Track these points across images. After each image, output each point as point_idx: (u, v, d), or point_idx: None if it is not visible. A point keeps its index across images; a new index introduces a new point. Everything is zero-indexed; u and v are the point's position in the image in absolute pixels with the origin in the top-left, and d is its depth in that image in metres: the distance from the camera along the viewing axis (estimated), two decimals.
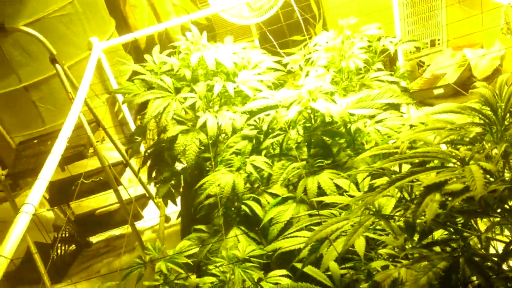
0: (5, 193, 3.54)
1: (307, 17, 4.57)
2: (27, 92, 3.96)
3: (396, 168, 1.44)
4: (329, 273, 1.59)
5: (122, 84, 3.25)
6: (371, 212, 1.45)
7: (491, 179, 1.14)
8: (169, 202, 3.11)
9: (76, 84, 3.22)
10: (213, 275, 1.79)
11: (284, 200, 2.20)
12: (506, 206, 1.23)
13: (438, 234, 1.61)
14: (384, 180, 1.66)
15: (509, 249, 1.23)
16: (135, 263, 1.88)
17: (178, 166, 3.17)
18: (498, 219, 1.25)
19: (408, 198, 1.44)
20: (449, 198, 1.32)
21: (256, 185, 2.37)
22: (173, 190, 3.11)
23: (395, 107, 2.49)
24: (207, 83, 2.92)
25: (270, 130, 2.43)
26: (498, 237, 1.39)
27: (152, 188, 3.72)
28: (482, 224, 1.46)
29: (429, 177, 1.16)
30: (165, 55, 3.17)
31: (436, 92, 4.88)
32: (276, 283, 1.71)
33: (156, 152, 3.12)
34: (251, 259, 1.78)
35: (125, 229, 3.99)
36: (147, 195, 3.93)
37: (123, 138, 4.23)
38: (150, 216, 3.93)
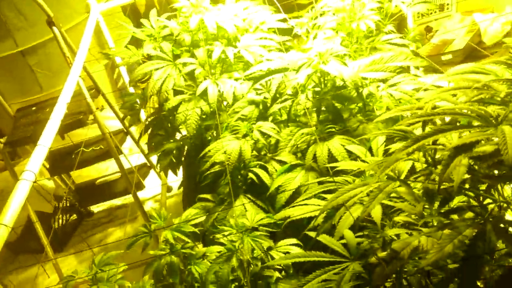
0: (4, 162, 3.46)
1: None
2: (24, 57, 3.83)
3: (419, 131, 1.34)
4: (343, 241, 1.52)
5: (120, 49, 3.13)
6: (390, 177, 1.37)
7: None
8: (169, 172, 3.05)
9: (74, 48, 3.09)
10: (221, 244, 1.72)
11: (293, 167, 2.12)
12: None
13: (455, 201, 1.54)
14: (401, 145, 1.57)
15: None
16: (140, 232, 1.81)
17: (178, 135, 3.09)
18: None
19: (431, 162, 1.36)
20: (477, 162, 1.24)
21: (263, 153, 2.28)
22: (175, 160, 3.03)
23: (407, 71, 2.38)
24: (207, 48, 2.80)
25: (277, 95, 2.32)
26: None
27: (154, 157, 3.64)
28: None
29: (456, 138, 1.07)
30: (164, 19, 3.03)
31: (445, 58, 4.75)
32: (286, 252, 1.65)
33: (156, 121, 3.03)
34: (260, 227, 1.71)
35: (126, 199, 3.93)
36: (149, 165, 3.85)
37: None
38: (152, 185, 3.86)
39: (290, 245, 1.72)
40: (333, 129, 2.12)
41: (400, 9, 2.97)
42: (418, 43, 3.14)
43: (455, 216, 1.39)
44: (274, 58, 2.40)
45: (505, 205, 1.32)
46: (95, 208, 4.05)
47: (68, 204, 4.06)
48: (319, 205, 1.74)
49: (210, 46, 2.80)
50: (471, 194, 1.32)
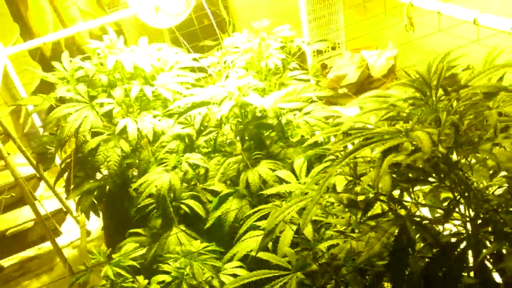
0: None
1: (217, 22, 4.64)
2: None
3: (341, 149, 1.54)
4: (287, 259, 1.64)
5: (29, 96, 3.04)
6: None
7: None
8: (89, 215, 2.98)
9: None
10: (165, 272, 1.75)
11: (226, 197, 2.21)
12: (441, 173, 1.38)
13: (377, 209, 1.76)
14: (321, 166, 1.77)
15: (450, 208, 1.38)
16: (80, 270, 1.77)
17: (99, 175, 3.04)
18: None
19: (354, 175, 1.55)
20: (395, 169, 1.46)
21: (193, 183, 2.36)
22: (96, 202, 2.98)
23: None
24: (125, 87, 2.84)
25: (202, 128, 2.44)
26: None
27: (71, 202, 3.51)
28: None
29: (369, 153, 1.27)
30: (79, 60, 3.02)
31: (341, 91, 5.23)
32: (233, 274, 1.73)
33: (75, 163, 2.96)
34: (206, 253, 1.78)
35: (40, 249, 3.69)
36: (65, 210, 3.68)
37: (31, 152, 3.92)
38: (69, 231, 3.69)
39: (236, 267, 1.80)
40: (258, 155, 2.27)
41: (300, 47, 3.29)
42: (319, 78, 3.47)
43: (372, 223, 1.59)
44: (196, 93, 2.52)
45: (419, 206, 1.55)
46: (5, 262, 3.73)
47: None
48: (257, 235, 1.88)
49: (127, 85, 2.85)
50: (391, 197, 1.53)
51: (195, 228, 2.25)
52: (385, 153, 1.25)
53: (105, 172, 2.89)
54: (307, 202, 1.47)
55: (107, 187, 2.84)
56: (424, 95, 1.38)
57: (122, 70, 2.91)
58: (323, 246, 1.76)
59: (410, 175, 1.40)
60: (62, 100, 2.94)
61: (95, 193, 2.86)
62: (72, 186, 2.90)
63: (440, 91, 1.39)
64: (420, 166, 1.33)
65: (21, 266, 3.68)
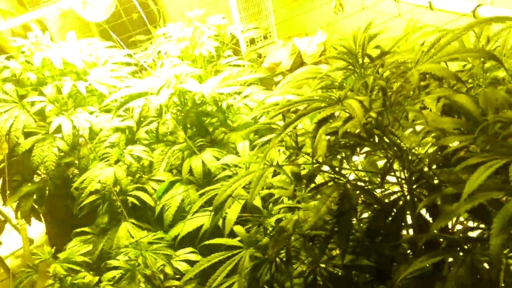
0: None
1: (146, 13, 4.56)
2: None
3: (281, 122, 1.59)
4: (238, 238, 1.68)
5: None
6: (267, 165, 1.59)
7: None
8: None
9: None
10: (115, 268, 1.73)
11: (172, 184, 2.21)
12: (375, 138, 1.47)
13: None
14: (262, 141, 1.82)
15: (386, 171, 1.48)
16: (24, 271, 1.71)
17: (37, 179, 2.93)
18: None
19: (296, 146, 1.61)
20: (332, 138, 1.54)
21: (137, 176, 2.33)
22: (36, 205, 2.86)
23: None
24: (56, 84, 2.74)
25: (142, 119, 2.41)
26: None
27: (6, 209, 3.34)
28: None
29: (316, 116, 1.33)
30: (3, 59, 2.87)
31: (277, 79, 5.33)
32: (186, 260, 1.74)
33: (9, 167, 2.83)
34: (157, 241, 1.77)
35: None
36: (3, 219, 3.50)
37: None
38: (8, 241, 3.50)
39: (188, 253, 1.81)
40: (202, 142, 2.29)
41: (234, 36, 3.33)
42: (254, 64, 3.53)
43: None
44: (132, 85, 2.49)
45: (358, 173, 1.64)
46: None
47: None
48: (203, 215, 1.90)
49: (58, 82, 2.75)
50: (332, 166, 1.61)
51: (145, 220, 2.23)
52: (321, 122, 1.31)
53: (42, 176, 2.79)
54: (253, 175, 1.51)
55: (47, 189, 2.74)
56: (353, 65, 1.46)
57: (51, 67, 2.80)
58: (272, 220, 1.82)
59: (347, 142, 1.48)
60: None
61: (34, 196, 2.75)
62: (8, 192, 2.77)
63: (366, 59, 1.48)
64: (356, 132, 1.42)
65: None
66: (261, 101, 2.35)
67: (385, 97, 1.38)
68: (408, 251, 1.42)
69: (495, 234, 1.05)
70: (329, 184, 1.57)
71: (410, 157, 1.43)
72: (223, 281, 1.60)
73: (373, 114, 1.33)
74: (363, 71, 1.45)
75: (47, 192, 2.79)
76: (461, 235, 1.30)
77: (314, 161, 1.57)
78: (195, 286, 1.68)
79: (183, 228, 1.91)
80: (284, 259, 1.48)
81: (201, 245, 1.76)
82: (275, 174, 1.67)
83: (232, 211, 1.68)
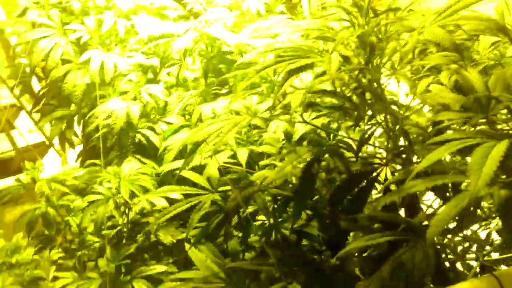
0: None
1: None
2: None
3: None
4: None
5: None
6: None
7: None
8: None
9: None
10: (97, 193, 1.76)
11: (180, 128, 2.20)
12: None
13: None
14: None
15: (364, 137, 1.33)
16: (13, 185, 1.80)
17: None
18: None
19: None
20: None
21: (152, 116, 2.34)
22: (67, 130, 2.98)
23: None
24: (98, 18, 2.76)
25: (166, 61, 2.40)
26: None
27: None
28: None
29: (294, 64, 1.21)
30: None
31: None
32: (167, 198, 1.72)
33: (46, 92, 2.97)
34: (140, 174, 1.77)
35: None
36: (47, 143, 3.73)
37: None
38: (50, 164, 3.75)
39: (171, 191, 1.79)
40: (218, 91, 2.23)
41: None
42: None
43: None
44: (167, 26, 2.47)
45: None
46: None
47: None
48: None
49: (101, 15, 2.77)
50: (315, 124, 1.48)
51: (150, 158, 2.25)
52: (290, 72, 1.20)
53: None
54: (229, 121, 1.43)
55: (78, 117, 2.84)
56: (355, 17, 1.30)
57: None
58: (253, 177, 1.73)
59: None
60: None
61: (66, 121, 2.86)
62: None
63: (371, 13, 1.31)
64: (331, 89, 1.28)
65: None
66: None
67: (371, 55, 1.22)
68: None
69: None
70: (304, 144, 1.45)
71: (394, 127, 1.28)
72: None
73: (349, 67, 1.19)
74: (363, 25, 1.29)
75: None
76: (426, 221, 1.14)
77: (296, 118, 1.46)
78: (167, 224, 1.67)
79: (178, 165, 1.89)
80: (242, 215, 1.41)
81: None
82: None
83: (213, 162, 1.63)
